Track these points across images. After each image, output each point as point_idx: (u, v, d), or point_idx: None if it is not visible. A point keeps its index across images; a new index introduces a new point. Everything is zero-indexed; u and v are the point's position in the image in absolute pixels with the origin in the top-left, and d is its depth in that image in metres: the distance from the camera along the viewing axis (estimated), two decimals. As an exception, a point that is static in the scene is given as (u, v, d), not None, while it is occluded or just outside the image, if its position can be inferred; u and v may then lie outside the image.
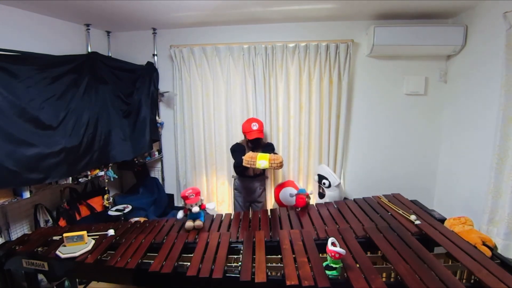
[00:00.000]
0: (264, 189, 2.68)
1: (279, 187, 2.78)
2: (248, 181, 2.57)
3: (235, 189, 2.67)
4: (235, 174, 2.69)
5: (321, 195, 2.44)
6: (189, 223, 1.79)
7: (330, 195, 2.35)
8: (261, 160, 2.16)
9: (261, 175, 2.63)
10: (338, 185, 2.39)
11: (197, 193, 1.82)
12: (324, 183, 2.25)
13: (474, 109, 2.29)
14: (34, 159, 1.95)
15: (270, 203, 3.00)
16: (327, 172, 2.40)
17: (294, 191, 2.06)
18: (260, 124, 2.49)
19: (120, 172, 3.22)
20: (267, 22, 2.77)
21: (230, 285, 1.34)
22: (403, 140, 2.84)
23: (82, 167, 2.34)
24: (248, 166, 2.19)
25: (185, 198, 1.80)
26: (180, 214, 1.84)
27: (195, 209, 1.77)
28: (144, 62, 2.98)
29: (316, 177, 2.50)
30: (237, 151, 2.49)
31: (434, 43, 2.42)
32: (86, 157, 2.36)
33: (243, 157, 2.26)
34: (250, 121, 2.51)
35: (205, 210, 1.89)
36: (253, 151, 2.54)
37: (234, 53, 2.80)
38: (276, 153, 2.45)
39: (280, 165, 2.20)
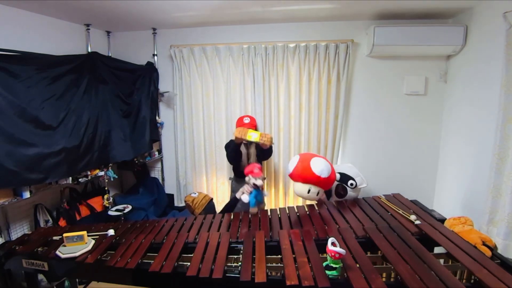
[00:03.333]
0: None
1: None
2: (244, 182, 2.55)
3: (232, 191, 2.67)
4: (232, 176, 2.68)
5: (340, 195, 2.28)
6: (253, 210, 1.96)
7: (351, 195, 2.24)
8: (252, 133, 2.20)
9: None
10: (362, 188, 2.31)
11: (260, 168, 2.00)
12: (351, 184, 2.18)
13: (474, 109, 2.29)
14: (34, 159, 1.95)
15: (269, 206, 2.99)
16: (356, 173, 2.29)
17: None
18: (252, 119, 2.54)
19: (120, 172, 3.22)
20: (267, 22, 2.77)
21: (230, 285, 1.34)
22: (403, 140, 2.84)
23: (82, 167, 2.34)
24: (239, 137, 2.23)
25: (250, 172, 1.94)
26: (245, 197, 1.96)
27: (259, 182, 1.91)
28: (144, 62, 2.98)
29: (338, 176, 2.30)
30: (231, 146, 2.51)
31: (434, 43, 2.42)
32: (86, 157, 2.36)
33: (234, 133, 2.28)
34: (242, 117, 2.57)
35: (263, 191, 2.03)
36: (247, 147, 2.55)
37: (234, 53, 2.80)
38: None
39: (271, 140, 2.23)
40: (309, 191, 1.97)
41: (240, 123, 2.53)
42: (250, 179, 1.96)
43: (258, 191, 1.98)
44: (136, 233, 1.80)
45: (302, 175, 1.98)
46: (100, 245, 1.65)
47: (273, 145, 2.59)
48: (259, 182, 1.91)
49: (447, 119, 2.69)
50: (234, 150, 2.38)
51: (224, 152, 2.94)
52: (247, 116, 2.57)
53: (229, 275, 1.34)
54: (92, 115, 2.42)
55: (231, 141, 2.58)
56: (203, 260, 1.43)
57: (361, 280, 1.20)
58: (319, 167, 1.95)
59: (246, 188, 2.00)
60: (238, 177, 2.58)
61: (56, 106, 2.15)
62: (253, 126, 2.49)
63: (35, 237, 1.85)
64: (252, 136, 2.17)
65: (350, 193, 2.24)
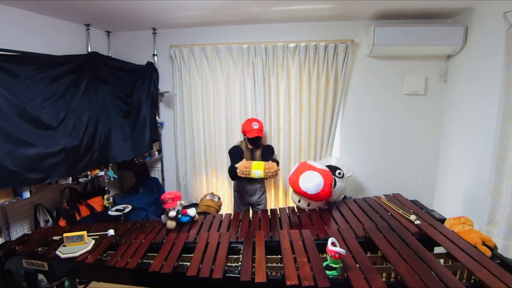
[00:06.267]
0: (264, 191, 2.67)
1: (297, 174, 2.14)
2: (248, 183, 2.55)
3: (235, 191, 2.66)
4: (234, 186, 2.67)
5: None
6: (171, 223, 1.82)
7: (340, 185, 2.30)
8: (256, 170, 2.16)
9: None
10: (349, 177, 2.37)
11: (175, 198, 1.83)
12: (339, 173, 2.23)
13: (474, 109, 2.29)
14: (34, 159, 1.95)
15: (270, 206, 2.99)
16: (342, 163, 2.38)
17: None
18: (260, 124, 2.50)
19: (120, 172, 3.22)
20: (267, 22, 2.77)
21: (230, 285, 1.34)
22: (403, 140, 2.84)
23: (82, 167, 2.34)
24: (243, 176, 2.19)
25: (164, 201, 1.82)
26: (165, 218, 1.87)
27: (172, 213, 1.80)
28: (144, 62, 2.98)
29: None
30: (235, 154, 2.48)
31: (434, 43, 2.42)
32: (86, 157, 2.36)
33: (236, 165, 2.24)
34: (250, 120, 2.52)
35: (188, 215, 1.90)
36: (252, 152, 2.54)
37: (234, 53, 2.80)
38: (274, 159, 2.44)
39: (275, 174, 2.20)
40: (299, 201, 1.99)
41: (248, 127, 2.46)
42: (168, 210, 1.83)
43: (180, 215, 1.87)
44: (136, 233, 1.80)
45: (293, 186, 2.00)
46: (100, 245, 1.65)
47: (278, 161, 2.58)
48: (171, 213, 1.80)
49: (447, 119, 2.69)
50: (236, 177, 2.35)
51: (225, 152, 2.96)
52: (256, 120, 2.50)
53: (229, 275, 1.34)
54: (92, 115, 2.41)
55: (236, 147, 2.56)
56: (203, 260, 1.43)
57: (361, 280, 1.20)
58: (306, 183, 1.91)
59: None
60: (240, 183, 2.58)
61: (56, 106, 2.15)
62: (261, 131, 2.47)
63: (35, 237, 1.85)
64: (257, 173, 2.15)
65: (339, 183, 2.26)
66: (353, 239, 1.55)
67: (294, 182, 1.98)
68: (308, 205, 1.97)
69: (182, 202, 1.88)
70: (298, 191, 1.95)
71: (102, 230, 1.84)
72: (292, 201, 2.07)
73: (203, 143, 3.05)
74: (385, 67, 2.74)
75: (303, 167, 2.02)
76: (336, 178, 2.27)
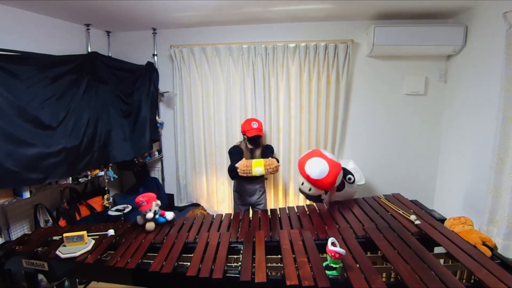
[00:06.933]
0: (264, 191, 2.67)
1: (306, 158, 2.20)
2: (248, 183, 2.56)
3: (235, 191, 2.66)
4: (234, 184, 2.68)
5: (337, 188, 2.33)
6: (150, 224, 1.82)
7: (348, 190, 2.31)
8: (257, 167, 2.17)
9: (260, 176, 2.61)
10: (360, 185, 2.38)
11: (149, 200, 1.82)
12: (349, 178, 2.25)
13: (474, 109, 2.29)
14: (34, 159, 1.95)
15: (270, 206, 2.99)
16: (355, 169, 2.42)
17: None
18: (260, 124, 2.51)
19: (120, 172, 3.22)
20: (267, 22, 2.77)
21: (230, 285, 1.34)
22: (403, 140, 2.84)
23: (82, 167, 2.34)
24: (245, 175, 2.20)
25: (138, 205, 1.81)
26: (140, 219, 1.87)
27: (149, 215, 1.80)
28: (144, 62, 2.98)
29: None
30: (235, 154, 2.48)
31: (434, 43, 2.42)
32: (86, 157, 2.36)
33: (236, 165, 2.24)
34: (249, 120, 2.53)
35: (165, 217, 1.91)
36: (252, 152, 2.54)
37: (234, 53, 2.80)
38: (274, 157, 2.45)
39: (276, 169, 2.21)
40: (302, 184, 2.05)
41: (247, 126, 2.47)
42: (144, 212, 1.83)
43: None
44: (136, 233, 1.80)
45: (299, 167, 2.10)
46: (100, 245, 1.66)
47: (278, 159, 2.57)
48: (149, 215, 1.80)
49: (447, 119, 2.69)
50: (236, 176, 2.35)
51: (225, 152, 2.95)
52: (255, 120, 2.51)
53: (229, 275, 1.34)
54: (92, 115, 2.41)
55: (236, 147, 2.56)
56: (203, 260, 1.43)
57: (361, 280, 1.20)
58: (310, 167, 2.00)
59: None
60: (238, 179, 2.58)
61: (56, 106, 2.15)
62: (260, 130, 2.48)
63: (35, 237, 1.85)
64: (258, 171, 2.16)
65: (348, 188, 2.27)
66: (353, 239, 1.55)
67: (301, 164, 2.06)
68: (309, 189, 2.01)
69: (158, 202, 1.88)
70: (302, 173, 2.03)
71: (102, 230, 1.84)
72: (292, 201, 2.09)
73: (203, 143, 3.05)
74: (385, 67, 2.74)
75: (314, 153, 2.10)
76: (346, 183, 2.29)
